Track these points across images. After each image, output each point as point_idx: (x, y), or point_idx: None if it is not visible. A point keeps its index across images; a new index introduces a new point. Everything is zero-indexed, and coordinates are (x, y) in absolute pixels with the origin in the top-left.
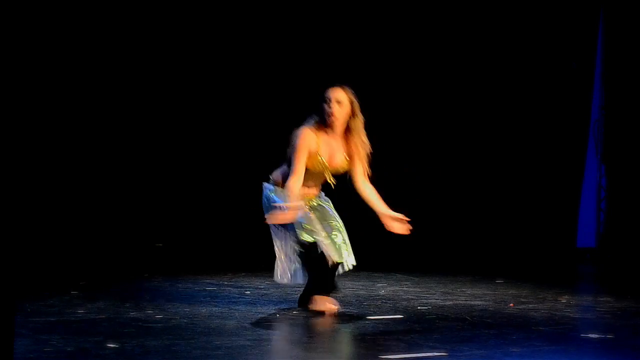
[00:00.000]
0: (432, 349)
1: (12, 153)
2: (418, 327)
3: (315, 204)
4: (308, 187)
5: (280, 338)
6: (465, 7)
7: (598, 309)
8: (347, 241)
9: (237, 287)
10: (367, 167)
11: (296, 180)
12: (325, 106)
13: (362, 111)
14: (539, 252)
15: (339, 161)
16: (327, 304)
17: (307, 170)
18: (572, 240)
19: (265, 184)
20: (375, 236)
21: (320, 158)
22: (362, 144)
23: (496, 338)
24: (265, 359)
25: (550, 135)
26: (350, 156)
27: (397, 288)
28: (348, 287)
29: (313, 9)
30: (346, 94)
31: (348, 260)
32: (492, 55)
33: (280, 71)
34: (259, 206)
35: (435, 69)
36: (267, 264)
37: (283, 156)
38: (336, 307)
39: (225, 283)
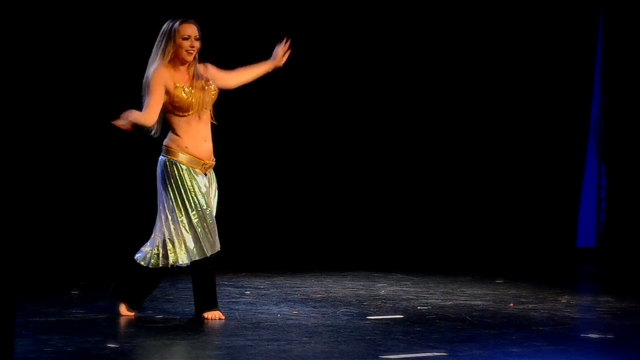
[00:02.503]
0: (432, 349)
1: (12, 153)
2: (418, 327)
3: (208, 178)
4: (196, 139)
5: (279, 338)
6: (466, 7)
7: (598, 309)
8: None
9: (237, 287)
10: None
11: (147, 114)
12: (185, 43)
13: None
14: (539, 252)
15: (210, 91)
16: (123, 308)
17: (182, 112)
18: (572, 240)
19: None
20: (376, 236)
21: (183, 88)
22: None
23: (496, 338)
24: (265, 359)
25: (550, 135)
26: (208, 80)
27: (397, 288)
28: (348, 287)
29: (313, 8)
30: (198, 27)
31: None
32: (493, 55)
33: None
34: (258, 206)
35: (436, 70)
36: (267, 264)
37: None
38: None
39: (225, 283)
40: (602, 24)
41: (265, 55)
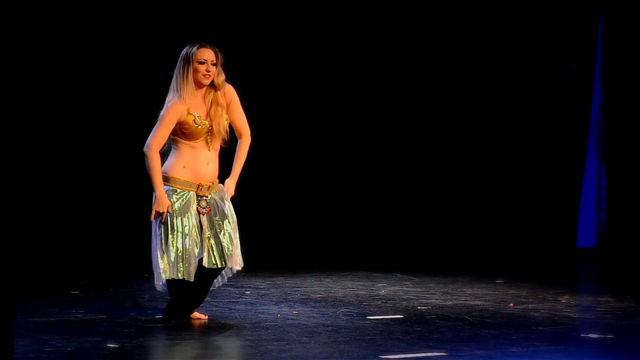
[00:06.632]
0: (432, 349)
1: (12, 153)
2: (418, 327)
3: (209, 198)
4: (198, 164)
5: (279, 338)
6: (465, 7)
7: (598, 309)
8: (231, 243)
9: (237, 287)
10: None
11: (155, 143)
12: (200, 67)
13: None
14: (539, 252)
15: (222, 120)
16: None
17: (189, 139)
18: (572, 240)
19: None
20: (376, 236)
21: (195, 117)
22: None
23: (496, 338)
24: (265, 359)
25: (551, 135)
26: (226, 110)
27: (397, 288)
28: (348, 287)
29: (313, 7)
30: (215, 53)
31: (228, 264)
32: (492, 55)
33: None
34: (257, 206)
35: (435, 69)
36: (267, 264)
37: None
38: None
39: (225, 283)
40: (602, 23)
41: (267, 59)
